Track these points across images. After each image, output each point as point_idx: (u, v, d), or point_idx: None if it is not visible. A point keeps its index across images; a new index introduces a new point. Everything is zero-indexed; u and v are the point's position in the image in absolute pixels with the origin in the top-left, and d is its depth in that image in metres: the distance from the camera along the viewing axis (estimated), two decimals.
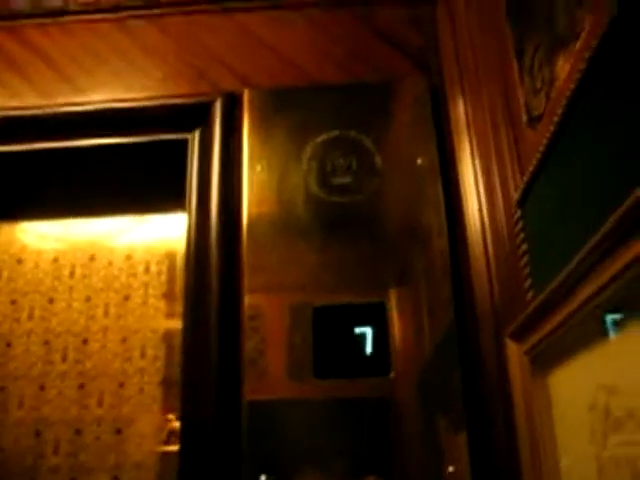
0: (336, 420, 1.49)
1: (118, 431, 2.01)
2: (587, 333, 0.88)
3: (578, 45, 0.87)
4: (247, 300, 1.58)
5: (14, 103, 1.87)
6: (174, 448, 2.09)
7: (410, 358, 1.52)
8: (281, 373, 1.53)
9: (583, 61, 0.83)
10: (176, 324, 1.98)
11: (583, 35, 0.86)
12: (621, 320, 0.79)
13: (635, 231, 0.70)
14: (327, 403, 1.51)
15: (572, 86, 0.87)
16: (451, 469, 1.41)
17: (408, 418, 1.50)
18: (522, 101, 1.15)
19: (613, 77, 0.77)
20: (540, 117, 1.06)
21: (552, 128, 0.96)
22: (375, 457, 1.46)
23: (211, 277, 1.60)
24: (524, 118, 1.14)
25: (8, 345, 2.12)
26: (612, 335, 0.82)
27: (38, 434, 2.02)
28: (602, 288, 0.79)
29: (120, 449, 1.98)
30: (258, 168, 1.68)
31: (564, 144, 0.94)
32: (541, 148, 1.01)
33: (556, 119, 0.94)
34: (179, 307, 1.85)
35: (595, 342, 0.86)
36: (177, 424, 2.35)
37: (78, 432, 2.01)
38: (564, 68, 0.94)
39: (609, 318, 0.82)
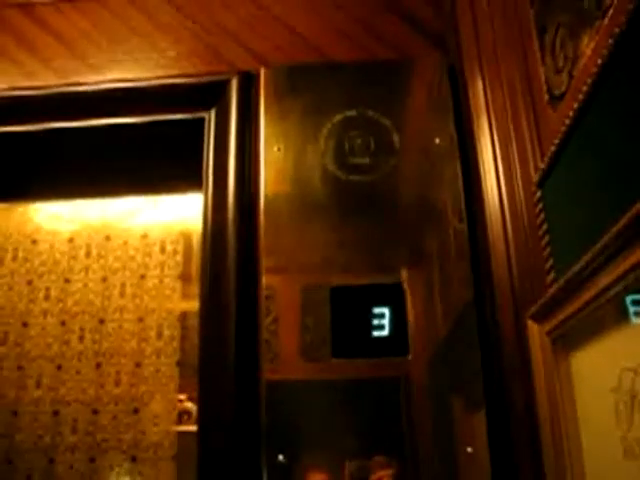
0: (354, 401, 1.49)
1: (135, 411, 2.02)
2: (610, 315, 0.88)
3: (606, 21, 0.85)
4: (264, 280, 1.58)
5: (28, 82, 1.87)
6: (187, 428, 2.12)
7: (428, 339, 1.53)
8: (299, 354, 1.53)
9: (611, 37, 0.81)
10: (192, 304, 1.98)
11: (610, 11, 0.84)
12: None
13: None
14: (345, 384, 1.51)
15: (599, 62, 0.85)
16: (469, 450, 1.42)
17: (426, 399, 1.50)
18: (543, 80, 1.13)
19: None
20: (562, 96, 1.04)
21: (576, 106, 0.95)
22: (390, 438, 1.47)
23: (228, 257, 1.60)
24: (545, 97, 1.12)
25: (25, 325, 2.13)
26: (635, 319, 0.81)
27: (56, 413, 2.04)
28: (626, 273, 0.78)
29: (137, 428, 2.00)
30: (275, 147, 1.67)
31: (588, 124, 0.93)
32: (563, 128, 1.00)
33: (581, 97, 0.93)
34: (195, 287, 1.85)
35: (619, 324, 0.85)
36: (189, 404, 2.38)
37: (95, 411, 2.02)
38: (589, 45, 0.92)
39: (633, 301, 0.81)
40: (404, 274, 1.58)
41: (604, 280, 0.84)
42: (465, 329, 1.50)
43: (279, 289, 1.58)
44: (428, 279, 1.61)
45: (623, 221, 0.75)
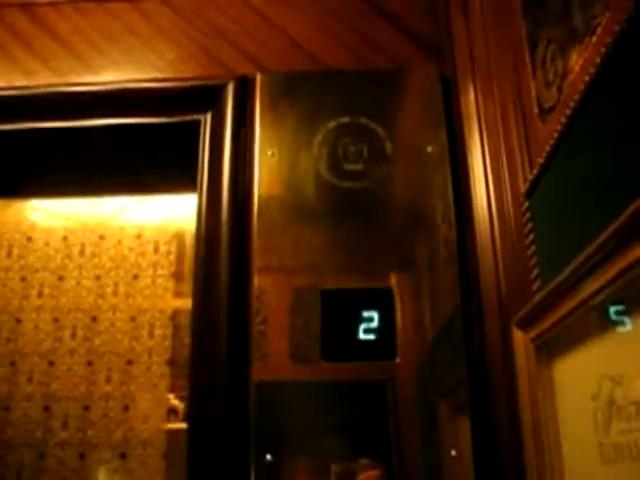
0: (342, 402, 1.51)
1: (126, 408, 2.03)
2: (593, 324, 0.90)
3: (594, 40, 0.88)
4: (256, 282, 1.60)
5: (26, 81, 1.87)
6: (174, 426, 2.13)
7: (416, 343, 1.55)
8: (288, 355, 1.55)
9: (598, 56, 0.84)
10: (184, 304, 2.01)
11: (599, 30, 0.87)
12: (626, 313, 0.81)
13: None
14: (333, 385, 1.53)
15: (586, 79, 0.88)
16: (454, 453, 1.44)
17: (412, 403, 1.52)
18: (533, 93, 1.16)
19: (628, 73, 0.78)
20: (552, 109, 1.07)
21: (564, 121, 0.97)
22: (375, 441, 1.49)
23: (220, 258, 1.62)
24: (535, 110, 1.15)
25: (18, 321, 2.14)
26: (617, 327, 0.83)
27: (47, 409, 2.05)
28: (609, 282, 0.80)
29: (127, 426, 2.01)
30: (269, 152, 1.69)
31: (575, 137, 0.95)
32: (551, 141, 1.02)
33: (568, 112, 0.95)
34: (187, 287, 1.87)
35: (600, 333, 0.88)
36: (176, 402, 2.39)
37: (86, 408, 2.04)
38: (578, 62, 0.95)
39: (614, 310, 0.84)
40: (394, 279, 1.61)
41: (587, 289, 0.86)
42: (452, 334, 1.52)
43: (269, 290, 1.60)
44: (417, 284, 1.63)
45: (607, 232, 0.78)
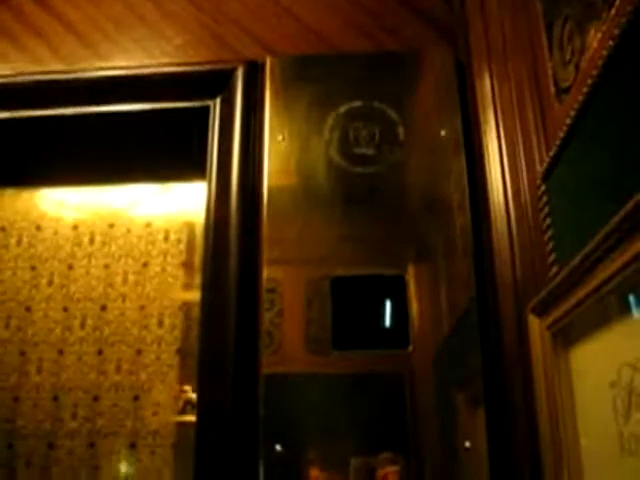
0: (353, 394, 1.49)
1: (135, 398, 2.03)
2: (610, 309, 0.87)
3: (612, 12, 0.84)
4: (266, 272, 1.58)
5: (35, 68, 1.87)
6: (190, 418, 2.12)
7: (429, 332, 1.52)
8: (299, 345, 1.53)
9: (617, 27, 0.80)
10: (194, 294, 1.99)
11: (617, 2, 0.83)
12: None
13: None
14: (344, 377, 1.51)
15: (604, 54, 0.84)
16: (468, 444, 1.41)
17: (426, 393, 1.50)
18: (550, 73, 1.13)
19: None
20: (568, 89, 1.03)
21: (581, 99, 0.94)
22: (391, 432, 1.46)
23: (230, 247, 1.60)
24: (552, 90, 1.11)
25: (27, 310, 2.15)
26: (635, 313, 0.80)
27: (56, 399, 2.05)
28: (625, 266, 0.77)
29: (137, 416, 2.01)
30: (279, 137, 1.67)
31: (593, 116, 0.92)
32: (568, 121, 0.99)
33: (585, 90, 0.92)
34: (197, 277, 1.85)
35: (618, 319, 0.85)
36: (193, 395, 2.38)
37: (96, 398, 2.04)
38: (596, 37, 0.91)
39: (633, 295, 0.80)
40: (408, 267, 1.58)
41: (603, 273, 0.83)
42: (469, 322, 1.50)
43: (284, 282, 1.58)
44: (432, 272, 1.60)
45: (622, 213, 0.75)
